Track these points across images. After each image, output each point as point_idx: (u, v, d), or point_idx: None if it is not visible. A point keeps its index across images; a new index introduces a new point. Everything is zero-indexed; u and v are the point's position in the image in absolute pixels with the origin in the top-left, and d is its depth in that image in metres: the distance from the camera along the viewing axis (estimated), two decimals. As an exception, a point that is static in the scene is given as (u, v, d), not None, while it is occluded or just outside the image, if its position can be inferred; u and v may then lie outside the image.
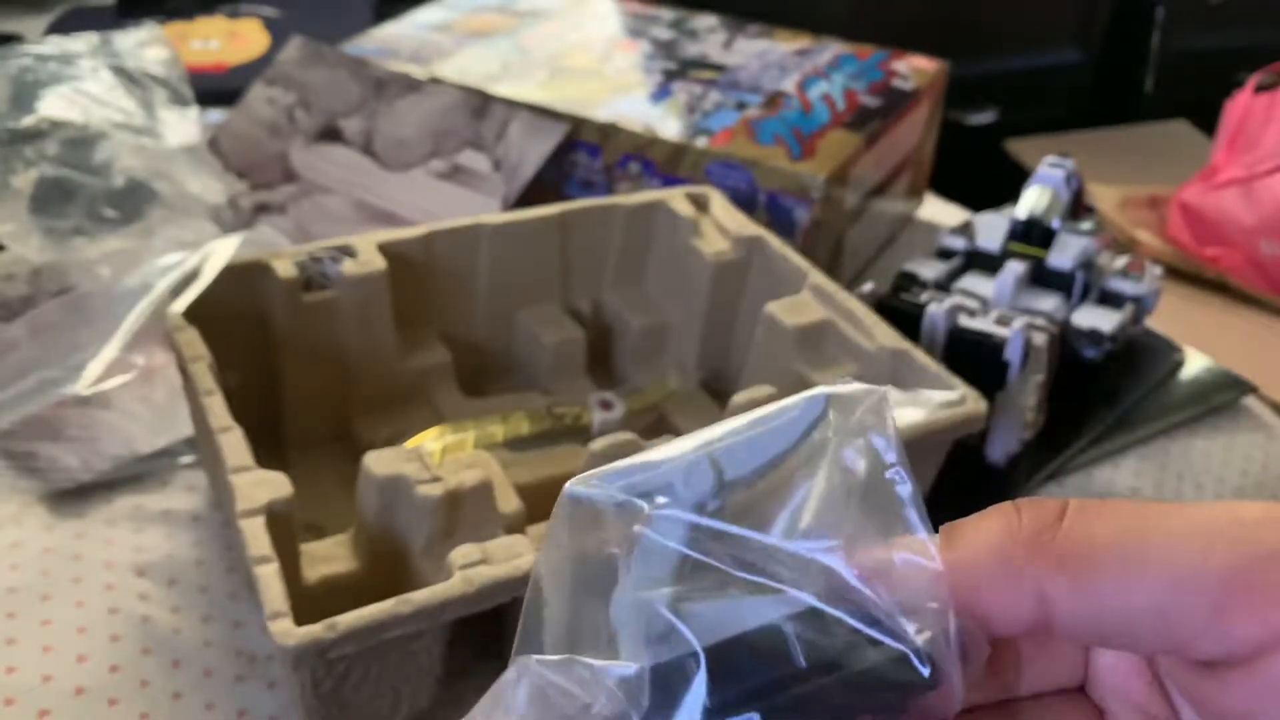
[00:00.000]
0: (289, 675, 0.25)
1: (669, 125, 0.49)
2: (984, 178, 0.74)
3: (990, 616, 0.13)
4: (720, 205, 0.43)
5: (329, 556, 0.30)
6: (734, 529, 0.13)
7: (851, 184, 0.48)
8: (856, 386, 0.14)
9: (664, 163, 0.48)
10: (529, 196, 0.48)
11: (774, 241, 0.41)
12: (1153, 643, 0.13)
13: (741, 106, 0.50)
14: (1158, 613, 0.13)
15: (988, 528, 0.13)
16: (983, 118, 0.97)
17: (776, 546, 0.13)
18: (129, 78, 0.46)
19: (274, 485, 0.28)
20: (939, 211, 0.62)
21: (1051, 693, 0.16)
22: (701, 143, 0.48)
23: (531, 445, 0.37)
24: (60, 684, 0.30)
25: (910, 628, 0.13)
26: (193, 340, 0.32)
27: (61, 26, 0.70)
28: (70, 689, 0.29)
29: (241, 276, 0.35)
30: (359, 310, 0.37)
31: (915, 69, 0.55)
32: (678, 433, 0.38)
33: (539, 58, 0.55)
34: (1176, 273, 0.74)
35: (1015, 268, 0.42)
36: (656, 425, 0.41)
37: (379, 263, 0.37)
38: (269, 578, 0.25)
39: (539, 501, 0.32)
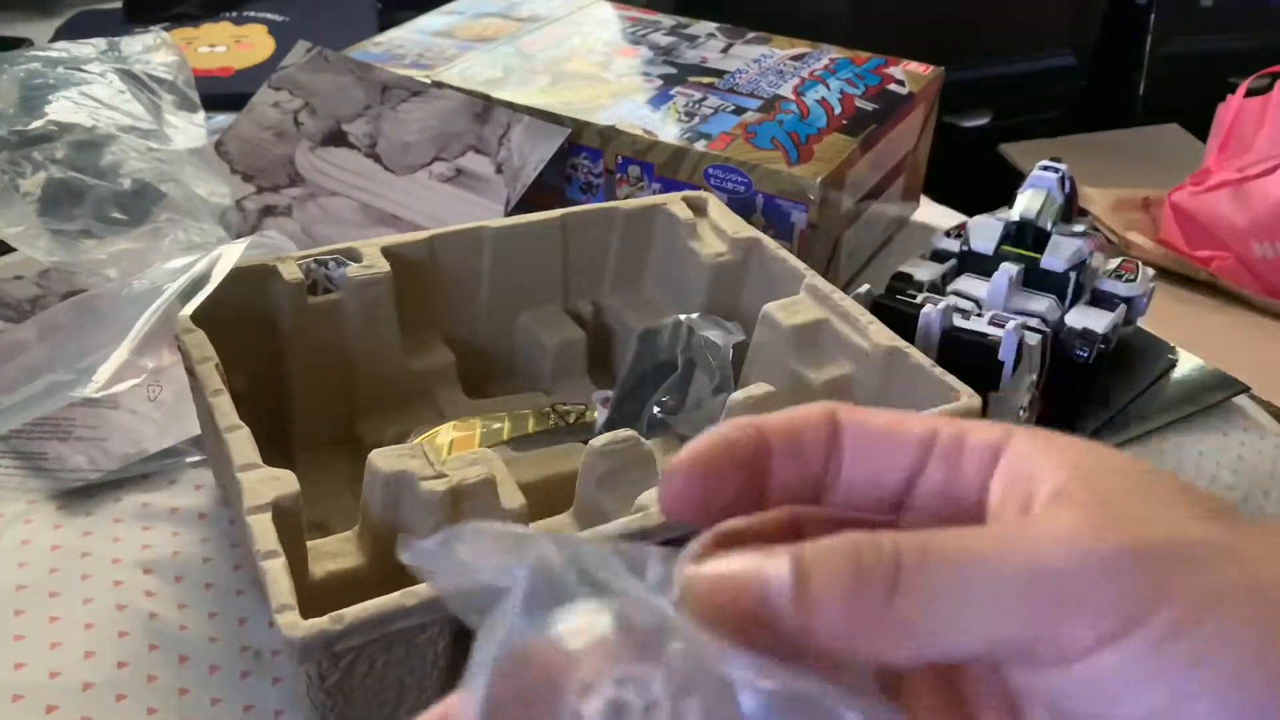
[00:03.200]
0: (295, 668, 0.26)
1: (668, 129, 0.50)
2: (978, 181, 0.75)
3: (829, 652, 0.13)
4: (717, 208, 0.44)
5: (335, 552, 0.30)
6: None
7: (848, 187, 0.49)
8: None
9: (663, 166, 0.49)
10: (531, 199, 0.48)
11: (770, 244, 0.41)
12: (990, 660, 0.14)
13: (739, 111, 0.51)
14: (990, 647, 0.13)
15: (831, 577, 0.13)
16: (977, 121, 0.98)
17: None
18: (136, 82, 0.47)
19: (281, 482, 0.28)
20: (934, 214, 0.62)
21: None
22: (700, 147, 0.48)
23: (535, 443, 0.37)
24: (68, 680, 0.30)
25: None
26: (200, 342, 0.33)
27: (69, 31, 0.70)
28: (78, 685, 0.30)
29: (248, 280, 0.36)
30: (364, 313, 0.38)
31: (911, 74, 0.56)
32: (676, 431, 0.38)
33: (541, 63, 0.56)
34: (1169, 274, 0.74)
35: (1009, 269, 0.42)
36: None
37: (383, 266, 0.37)
38: (276, 572, 0.25)
39: (542, 498, 0.32)
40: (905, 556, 0.13)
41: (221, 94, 0.58)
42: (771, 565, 0.13)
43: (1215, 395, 0.47)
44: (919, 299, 0.41)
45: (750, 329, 0.39)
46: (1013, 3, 0.98)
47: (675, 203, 0.43)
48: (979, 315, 0.40)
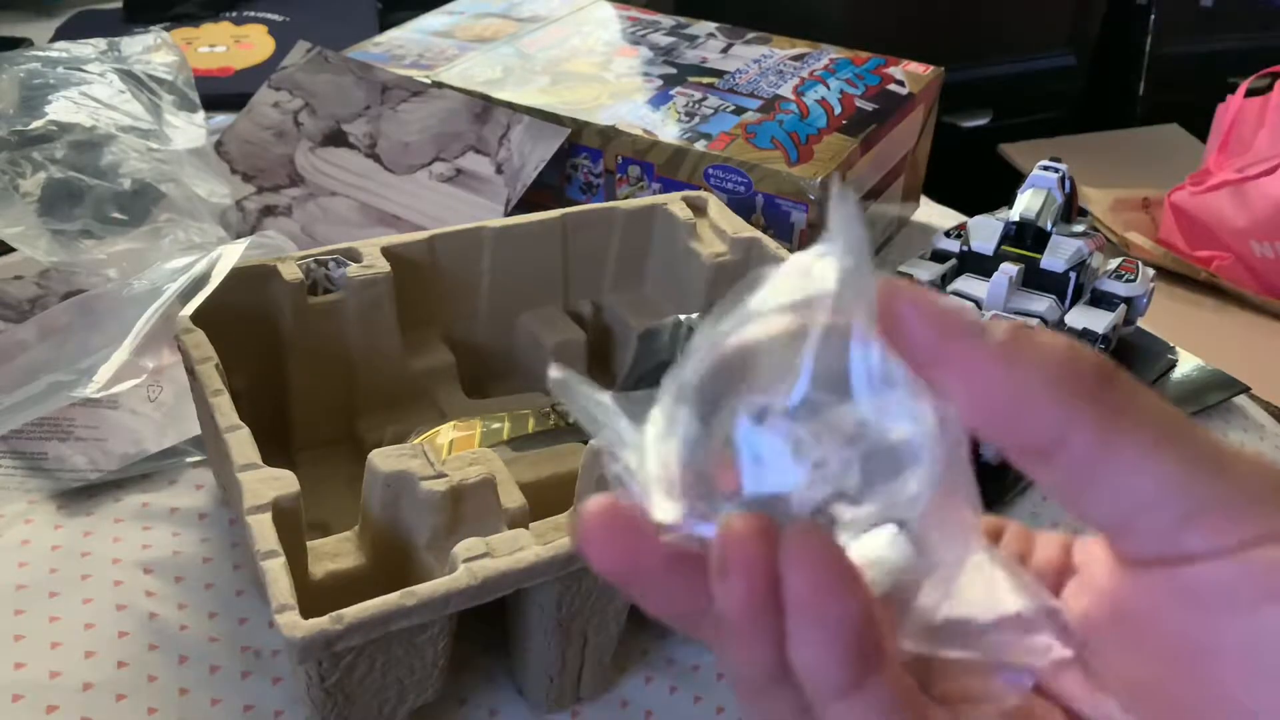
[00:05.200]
0: (295, 668, 0.26)
1: (668, 130, 0.50)
2: (978, 181, 0.75)
3: (1023, 419, 0.14)
4: (717, 208, 0.44)
5: (335, 553, 0.30)
6: None
7: (848, 187, 0.49)
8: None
9: (663, 166, 0.49)
10: (531, 199, 0.48)
11: (771, 244, 0.41)
12: (1133, 521, 0.14)
13: (739, 111, 0.51)
14: (1157, 494, 0.14)
15: (1055, 340, 0.14)
16: (977, 121, 0.98)
17: None
18: (136, 82, 0.47)
19: (281, 482, 0.28)
20: (934, 214, 0.62)
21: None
22: (700, 147, 0.48)
23: (535, 443, 0.37)
24: (68, 680, 0.30)
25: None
26: (200, 342, 0.33)
27: (69, 31, 0.70)
28: (78, 685, 0.30)
29: (248, 280, 0.36)
30: (363, 313, 0.38)
31: (910, 74, 0.56)
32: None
33: (541, 63, 0.56)
34: (1169, 274, 0.74)
35: (1009, 270, 0.42)
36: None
37: (383, 266, 0.37)
38: (276, 571, 0.25)
39: (542, 498, 0.32)
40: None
41: (221, 94, 0.58)
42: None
43: (1215, 395, 0.47)
44: (919, 299, 0.41)
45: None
46: (1012, 3, 0.98)
47: (675, 203, 0.43)
48: (979, 316, 0.40)
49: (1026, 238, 0.44)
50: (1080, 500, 0.14)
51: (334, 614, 0.24)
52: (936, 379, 0.14)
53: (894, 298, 0.14)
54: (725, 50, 0.58)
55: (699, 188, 0.47)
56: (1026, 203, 0.44)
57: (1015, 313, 0.41)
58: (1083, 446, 0.14)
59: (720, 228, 0.42)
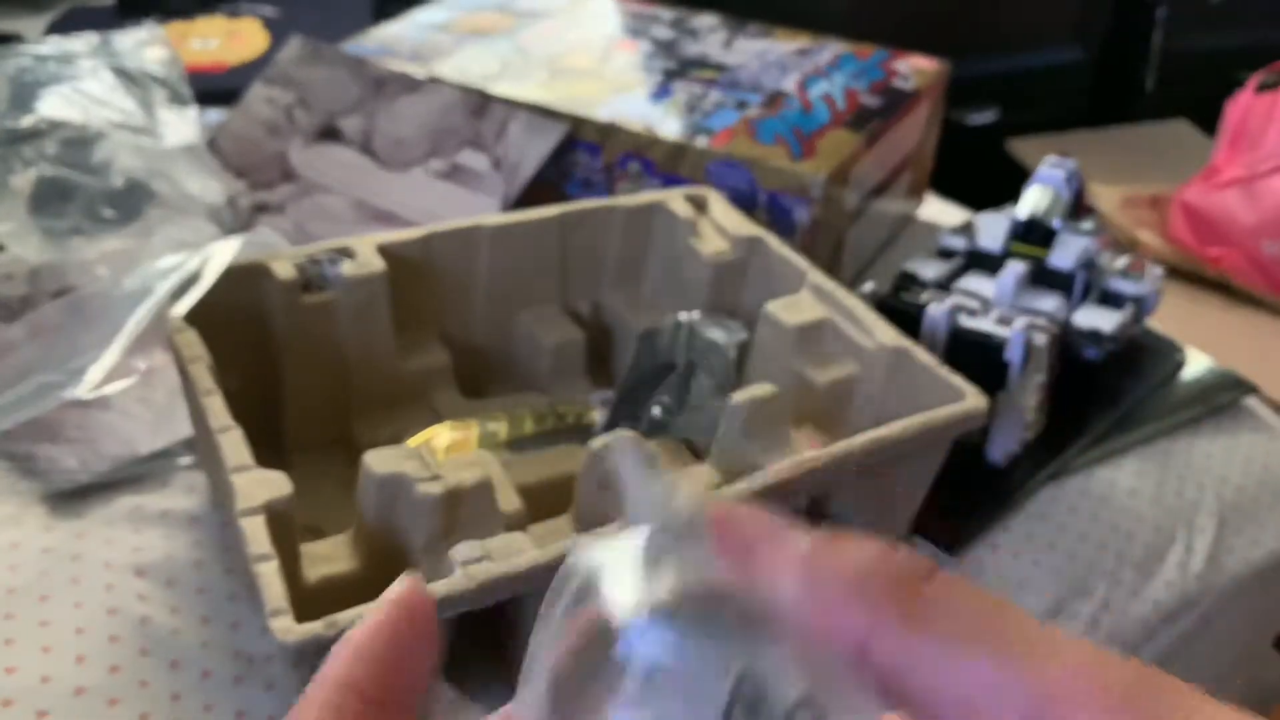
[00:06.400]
0: (289, 674, 0.25)
1: (669, 125, 0.49)
2: (985, 177, 0.74)
3: (828, 630, 0.13)
4: (719, 205, 0.43)
5: (329, 556, 0.30)
6: None
7: (852, 183, 0.48)
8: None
9: (664, 162, 0.48)
10: (529, 196, 0.47)
11: (773, 241, 0.41)
12: None
13: (742, 106, 0.50)
14: (961, 706, 0.13)
15: (860, 549, 0.13)
16: (983, 117, 0.97)
17: None
18: (128, 77, 0.46)
19: (274, 484, 0.28)
20: (940, 211, 0.62)
21: None
22: (701, 142, 0.48)
23: (533, 444, 0.36)
24: (59, 684, 0.30)
25: None
26: (192, 341, 0.32)
27: (61, 26, 0.70)
28: (69, 689, 0.29)
29: (241, 279, 0.35)
30: (358, 312, 0.37)
31: (916, 68, 0.55)
32: (676, 433, 0.38)
33: (539, 57, 0.55)
34: (1178, 273, 0.74)
35: (1016, 268, 0.42)
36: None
37: (378, 264, 0.37)
38: (269, 575, 0.25)
39: (540, 501, 0.32)
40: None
41: (214, 89, 0.57)
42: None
43: (1224, 396, 0.47)
44: (924, 297, 0.41)
45: (752, 328, 0.38)
46: (1019, -3, 0.97)
47: (676, 199, 0.43)
48: (986, 314, 0.40)
49: (1034, 235, 0.43)
50: (914, 713, 0.13)
51: (328, 619, 0.24)
52: (757, 583, 0.13)
53: (717, 519, 0.14)
54: (727, 44, 0.57)
55: (700, 184, 0.47)
56: (1033, 200, 0.43)
57: (1023, 310, 0.41)
58: (886, 654, 0.13)
59: (722, 225, 0.42)
